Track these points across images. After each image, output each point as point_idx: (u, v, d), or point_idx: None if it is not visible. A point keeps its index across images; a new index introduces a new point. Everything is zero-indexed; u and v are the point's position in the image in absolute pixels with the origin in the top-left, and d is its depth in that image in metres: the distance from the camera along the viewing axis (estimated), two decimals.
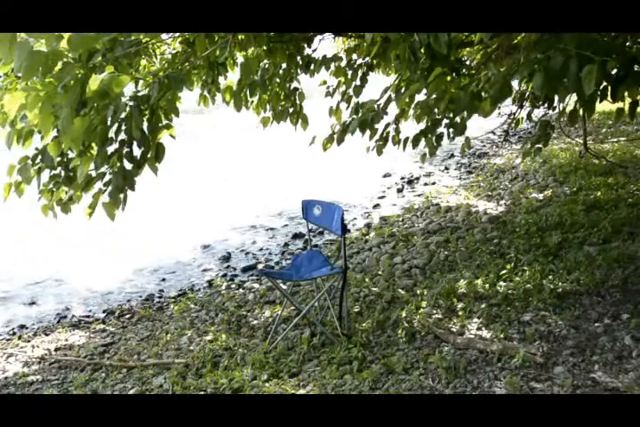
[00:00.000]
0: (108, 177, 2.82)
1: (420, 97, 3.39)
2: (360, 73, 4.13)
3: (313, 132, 4.05)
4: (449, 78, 2.86)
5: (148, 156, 2.84)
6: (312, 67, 4.11)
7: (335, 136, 3.43)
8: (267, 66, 3.93)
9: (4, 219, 6.00)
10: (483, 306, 3.28)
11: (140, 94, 2.65)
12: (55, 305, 4.55)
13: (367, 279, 3.98)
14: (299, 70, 4.14)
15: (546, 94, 2.62)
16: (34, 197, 3.16)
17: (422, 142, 3.48)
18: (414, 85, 3.05)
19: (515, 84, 2.73)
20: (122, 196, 2.80)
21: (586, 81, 1.98)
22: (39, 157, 2.95)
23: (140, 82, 2.83)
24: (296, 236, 5.84)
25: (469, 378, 2.61)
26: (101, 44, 2.44)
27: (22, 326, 4.17)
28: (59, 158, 2.90)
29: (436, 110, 3.30)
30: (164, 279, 4.95)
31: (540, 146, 3.86)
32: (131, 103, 2.59)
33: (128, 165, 2.84)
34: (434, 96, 3.16)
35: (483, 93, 2.65)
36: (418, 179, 7.89)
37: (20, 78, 2.46)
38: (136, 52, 2.89)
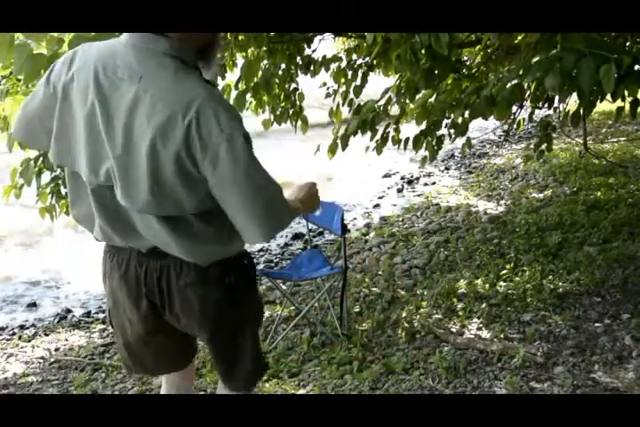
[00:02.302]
0: None
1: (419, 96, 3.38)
2: (360, 73, 4.13)
3: (313, 131, 4.05)
4: (454, 82, 2.85)
5: None
6: (312, 67, 4.11)
7: (339, 141, 3.42)
8: (267, 66, 3.93)
9: (5, 218, 5.99)
10: (483, 306, 3.28)
11: None
12: (55, 305, 4.55)
13: (367, 279, 3.98)
14: (299, 71, 4.14)
15: (547, 95, 2.61)
16: (35, 198, 3.17)
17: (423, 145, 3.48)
18: (427, 92, 3.05)
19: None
20: None
21: (605, 80, 1.98)
22: (40, 158, 2.95)
23: None
24: (296, 236, 5.84)
25: (469, 378, 2.62)
26: None
27: (22, 327, 4.16)
28: None
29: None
30: None
31: (543, 149, 3.86)
32: None
33: None
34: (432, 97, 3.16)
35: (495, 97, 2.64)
36: (418, 179, 7.88)
37: (21, 81, 2.46)
38: None
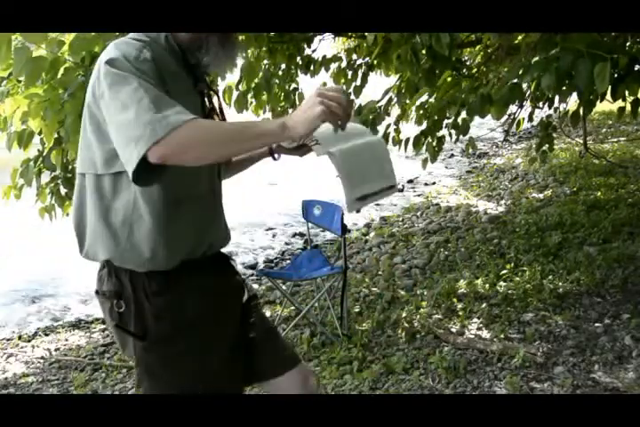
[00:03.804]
0: None
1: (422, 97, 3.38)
2: (360, 73, 4.13)
3: None
4: (452, 80, 2.85)
5: None
6: (312, 67, 4.11)
7: None
8: (267, 67, 3.93)
9: (4, 218, 5.99)
10: (483, 306, 3.28)
11: None
12: (55, 305, 4.55)
13: (367, 279, 3.98)
14: (299, 71, 4.14)
15: (547, 95, 2.60)
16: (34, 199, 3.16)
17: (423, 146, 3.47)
18: (423, 90, 3.05)
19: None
20: None
21: (599, 78, 1.97)
22: (40, 158, 2.95)
23: None
24: (296, 235, 5.84)
25: (469, 378, 2.62)
26: (102, 47, 2.45)
27: (22, 326, 4.17)
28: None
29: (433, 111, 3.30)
30: None
31: (546, 149, 3.86)
32: None
33: None
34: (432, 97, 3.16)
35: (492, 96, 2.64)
36: (418, 178, 7.89)
37: (21, 83, 2.46)
38: None
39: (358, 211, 1.44)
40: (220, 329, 1.38)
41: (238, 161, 1.63)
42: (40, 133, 2.56)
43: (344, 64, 4.23)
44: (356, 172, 1.43)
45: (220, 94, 3.98)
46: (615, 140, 7.95)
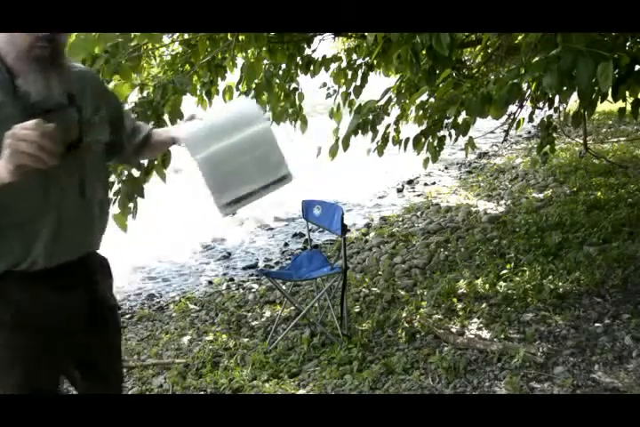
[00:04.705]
0: (116, 186, 2.85)
1: (422, 97, 3.38)
2: (360, 73, 4.13)
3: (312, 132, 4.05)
4: (451, 80, 2.85)
5: (156, 162, 2.87)
6: (312, 67, 4.11)
7: (340, 143, 3.42)
8: (267, 67, 3.93)
9: None
10: (483, 306, 3.28)
11: (144, 100, 2.68)
12: None
13: (367, 279, 3.98)
14: (299, 71, 4.14)
15: (547, 95, 2.60)
16: None
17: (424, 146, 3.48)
18: (422, 89, 3.05)
19: None
20: (132, 204, 2.84)
21: (602, 78, 1.97)
22: None
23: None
24: (296, 236, 5.84)
25: (469, 378, 2.62)
26: (103, 48, 2.46)
27: None
28: None
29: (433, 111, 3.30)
30: (163, 279, 4.94)
31: (547, 150, 3.86)
32: (136, 109, 2.62)
33: (136, 173, 2.88)
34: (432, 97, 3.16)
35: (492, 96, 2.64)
36: (418, 178, 7.88)
37: None
38: (138, 56, 2.91)
39: (234, 214, 1.30)
40: (36, 336, 1.40)
41: (151, 148, 1.65)
42: None
43: (344, 64, 4.23)
44: (226, 175, 1.31)
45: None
46: (615, 140, 7.95)
